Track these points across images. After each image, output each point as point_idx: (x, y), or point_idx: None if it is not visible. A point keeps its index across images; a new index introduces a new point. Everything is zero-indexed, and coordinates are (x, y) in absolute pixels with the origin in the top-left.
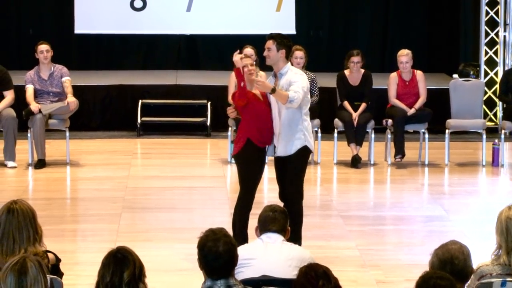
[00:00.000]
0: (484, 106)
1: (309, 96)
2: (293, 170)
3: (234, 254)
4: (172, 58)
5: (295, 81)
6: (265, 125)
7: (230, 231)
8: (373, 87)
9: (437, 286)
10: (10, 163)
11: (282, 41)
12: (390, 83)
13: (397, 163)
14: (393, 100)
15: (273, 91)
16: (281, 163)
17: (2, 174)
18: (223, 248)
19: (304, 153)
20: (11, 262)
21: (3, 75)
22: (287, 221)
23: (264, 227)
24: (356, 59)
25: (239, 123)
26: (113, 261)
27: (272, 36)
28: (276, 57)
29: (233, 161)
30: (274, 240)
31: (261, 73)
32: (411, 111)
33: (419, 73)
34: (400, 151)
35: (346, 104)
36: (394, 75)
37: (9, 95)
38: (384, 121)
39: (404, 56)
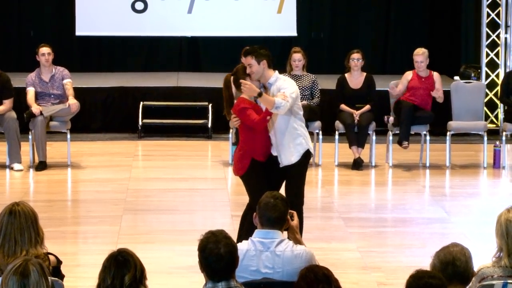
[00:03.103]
0: (485, 108)
1: (299, 102)
2: (296, 175)
3: (235, 255)
4: (174, 60)
5: (284, 88)
6: (269, 139)
7: (230, 233)
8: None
9: (428, 285)
10: (16, 166)
11: (259, 52)
12: (403, 78)
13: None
14: (392, 83)
15: (260, 95)
16: (281, 170)
17: (4, 176)
18: (224, 249)
19: (307, 158)
20: (13, 265)
21: (6, 83)
22: (288, 209)
23: (264, 213)
24: (356, 55)
25: (241, 136)
26: (114, 264)
27: (248, 52)
28: (260, 70)
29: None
30: (268, 245)
31: None
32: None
33: (436, 74)
34: (405, 137)
35: (343, 106)
36: (409, 72)
37: (8, 104)
38: (385, 117)
39: (420, 55)
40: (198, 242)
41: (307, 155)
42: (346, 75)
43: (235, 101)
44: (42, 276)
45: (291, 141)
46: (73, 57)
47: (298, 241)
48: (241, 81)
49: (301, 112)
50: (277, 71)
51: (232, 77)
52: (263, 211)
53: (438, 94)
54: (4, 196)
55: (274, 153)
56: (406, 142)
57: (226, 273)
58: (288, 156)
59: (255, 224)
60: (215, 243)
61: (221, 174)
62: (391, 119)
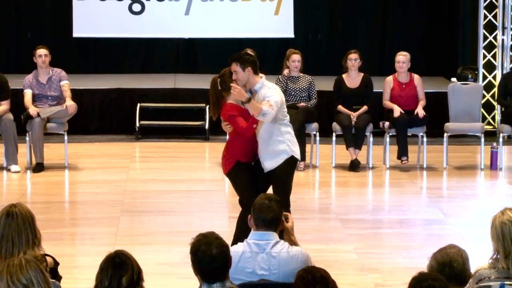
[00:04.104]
0: (482, 110)
1: (285, 108)
2: (280, 180)
3: (228, 256)
4: (171, 62)
5: (269, 96)
6: (255, 142)
7: (228, 234)
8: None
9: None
10: (13, 167)
11: (245, 58)
12: (385, 86)
13: (401, 165)
14: (385, 102)
15: (248, 100)
16: (268, 174)
17: (1, 177)
18: (216, 250)
19: (290, 162)
20: (25, 264)
21: (3, 84)
22: (282, 210)
23: (259, 215)
24: (353, 56)
25: (229, 140)
26: (112, 266)
27: (234, 59)
28: (245, 77)
29: None
30: (264, 247)
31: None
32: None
33: (416, 77)
34: (404, 153)
35: (341, 107)
36: (389, 78)
37: (5, 105)
38: (381, 123)
39: (402, 56)
40: (189, 246)
41: (291, 160)
42: (344, 75)
43: (225, 104)
44: (41, 274)
45: (274, 148)
46: (70, 59)
47: (293, 243)
48: (232, 85)
49: (287, 119)
50: (263, 77)
51: (218, 80)
52: (258, 213)
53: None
54: (1, 197)
55: (260, 157)
56: (405, 158)
57: (220, 274)
58: (270, 162)
59: (250, 226)
60: (207, 245)
61: (219, 175)
62: (387, 124)
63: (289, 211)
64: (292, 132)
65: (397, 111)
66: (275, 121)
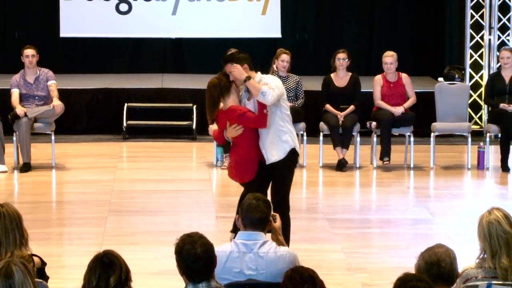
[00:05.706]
0: (469, 109)
1: (287, 102)
2: (281, 177)
3: (213, 254)
4: (158, 62)
5: (269, 81)
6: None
7: (215, 234)
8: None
9: None
10: (0, 167)
11: (238, 57)
12: (375, 85)
13: (383, 166)
14: (378, 101)
15: (248, 78)
16: (267, 169)
17: None
18: (201, 249)
19: (292, 157)
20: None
21: None
22: (270, 210)
23: (246, 215)
24: (341, 55)
25: (242, 143)
26: (100, 265)
27: (227, 60)
28: None
29: (219, 164)
30: (251, 247)
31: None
32: (399, 110)
33: (404, 76)
34: (387, 153)
35: (328, 107)
36: (378, 77)
37: None
38: (368, 123)
39: (389, 57)
40: (174, 246)
41: (293, 154)
42: (332, 74)
43: (227, 107)
44: (27, 275)
45: (276, 137)
46: (57, 59)
47: (281, 243)
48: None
49: (288, 112)
50: (259, 72)
51: (218, 82)
52: (245, 213)
53: (406, 106)
54: None
55: (262, 149)
56: (387, 159)
57: (206, 273)
58: (273, 153)
59: (238, 226)
60: (191, 244)
61: (206, 175)
62: (374, 124)
63: (288, 209)
64: (293, 127)
65: (398, 111)
66: (278, 111)
